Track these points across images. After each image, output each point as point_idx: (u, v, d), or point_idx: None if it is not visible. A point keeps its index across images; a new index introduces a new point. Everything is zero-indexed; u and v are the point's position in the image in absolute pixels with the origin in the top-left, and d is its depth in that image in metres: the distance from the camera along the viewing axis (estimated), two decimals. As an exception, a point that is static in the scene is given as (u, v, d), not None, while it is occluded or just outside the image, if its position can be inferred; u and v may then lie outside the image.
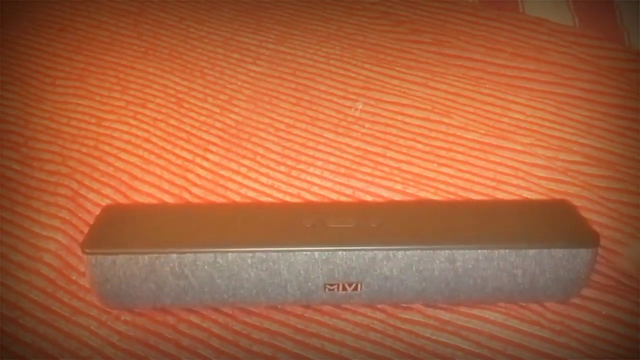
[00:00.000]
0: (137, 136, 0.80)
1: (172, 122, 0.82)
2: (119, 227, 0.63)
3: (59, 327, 0.63)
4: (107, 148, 0.79)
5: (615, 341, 0.61)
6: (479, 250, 0.59)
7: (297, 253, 0.59)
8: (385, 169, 0.76)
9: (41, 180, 0.76)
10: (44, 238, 0.70)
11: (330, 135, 0.80)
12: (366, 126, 0.81)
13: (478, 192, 0.73)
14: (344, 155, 0.78)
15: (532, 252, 0.59)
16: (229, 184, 0.75)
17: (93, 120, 0.83)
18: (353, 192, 0.74)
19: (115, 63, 0.91)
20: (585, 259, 0.60)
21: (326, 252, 0.59)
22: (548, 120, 0.80)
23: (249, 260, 0.59)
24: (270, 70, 0.89)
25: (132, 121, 0.82)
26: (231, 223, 0.63)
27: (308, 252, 0.59)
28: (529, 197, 0.72)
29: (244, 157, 0.78)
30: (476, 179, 0.74)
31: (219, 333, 0.62)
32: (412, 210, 0.68)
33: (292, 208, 0.71)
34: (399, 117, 0.81)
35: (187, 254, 0.59)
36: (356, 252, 0.59)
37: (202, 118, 0.83)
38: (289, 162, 0.77)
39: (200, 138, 0.80)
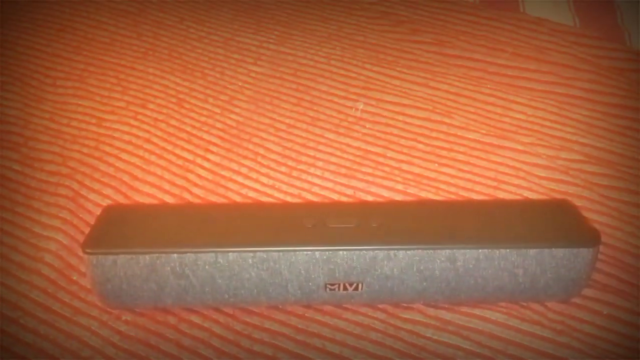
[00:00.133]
0: (137, 136, 0.80)
1: (173, 122, 0.82)
2: (120, 227, 0.63)
3: (59, 328, 0.63)
4: (107, 148, 0.79)
5: (617, 341, 0.60)
6: (480, 250, 0.59)
7: (298, 253, 0.59)
8: (386, 169, 0.76)
9: (42, 180, 0.76)
10: (45, 238, 0.70)
11: (331, 136, 0.80)
12: (367, 126, 0.81)
13: (479, 192, 0.73)
14: (345, 155, 0.78)
15: (533, 251, 0.59)
16: (230, 185, 0.75)
17: (93, 121, 0.83)
18: (354, 192, 0.74)
19: (116, 63, 0.91)
20: (586, 258, 0.60)
21: (327, 252, 0.59)
22: (549, 120, 0.80)
23: (250, 260, 0.59)
24: (271, 71, 0.89)
25: (132, 121, 0.82)
26: (232, 223, 0.63)
27: (309, 252, 0.59)
28: (530, 197, 0.72)
29: (245, 157, 0.78)
30: (477, 179, 0.74)
31: (220, 333, 0.62)
32: (413, 210, 0.68)
33: (292, 208, 0.71)
34: (400, 117, 0.81)
35: (188, 254, 0.59)
36: (357, 252, 0.59)
37: (203, 118, 0.83)
38: (290, 163, 0.77)
39: (201, 138, 0.80)
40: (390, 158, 0.77)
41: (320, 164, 0.77)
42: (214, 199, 0.74)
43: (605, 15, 0.94)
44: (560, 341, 0.60)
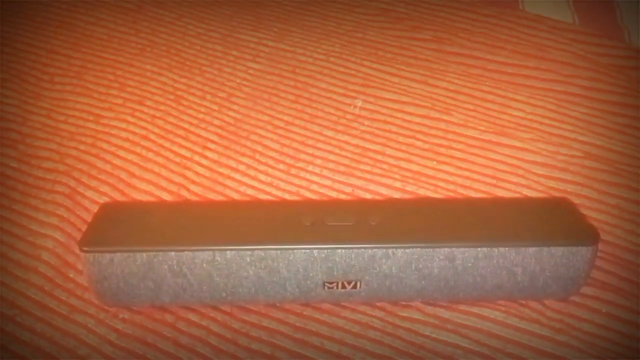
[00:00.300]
0: (135, 133, 0.80)
1: (171, 119, 0.82)
2: (117, 225, 0.63)
3: (56, 325, 0.63)
4: (105, 145, 0.79)
5: (616, 339, 0.60)
6: (479, 248, 0.59)
7: (296, 251, 0.59)
8: (385, 166, 0.76)
9: (39, 177, 0.76)
10: (42, 236, 0.70)
11: (330, 133, 0.80)
12: (365, 124, 0.81)
13: (478, 189, 0.73)
14: (343, 153, 0.77)
15: (532, 249, 0.59)
16: (228, 182, 0.75)
17: (91, 118, 0.82)
18: (352, 189, 0.74)
19: (113, 60, 0.91)
20: (585, 256, 0.59)
21: (325, 250, 0.59)
22: (548, 117, 0.80)
23: (248, 258, 0.59)
24: (269, 68, 0.89)
25: (130, 118, 0.82)
26: (230, 221, 0.63)
27: (307, 250, 0.59)
28: (529, 194, 0.72)
29: (243, 154, 0.78)
30: (476, 177, 0.74)
31: (217, 331, 0.62)
32: (412, 208, 0.68)
33: (291, 206, 0.70)
34: (399, 115, 0.81)
35: (186, 252, 0.59)
36: (355, 250, 0.59)
37: (201, 115, 0.82)
38: (288, 160, 0.77)
39: (199, 135, 0.80)
40: (389, 155, 0.77)
41: (318, 161, 0.77)
42: (211, 196, 0.74)
43: (605, 13, 0.93)
44: (559, 340, 0.60)
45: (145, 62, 0.90)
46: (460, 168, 0.75)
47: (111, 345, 0.61)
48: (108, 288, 0.60)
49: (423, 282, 0.60)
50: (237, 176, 0.75)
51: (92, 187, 0.74)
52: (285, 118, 0.82)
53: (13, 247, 0.69)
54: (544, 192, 0.72)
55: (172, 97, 0.85)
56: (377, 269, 0.60)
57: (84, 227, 0.68)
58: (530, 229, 0.61)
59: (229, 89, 0.86)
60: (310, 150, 0.78)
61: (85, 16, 0.98)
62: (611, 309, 0.62)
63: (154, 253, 0.59)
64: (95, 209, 0.68)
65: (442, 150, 0.77)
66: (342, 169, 0.76)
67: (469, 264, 0.59)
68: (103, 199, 0.73)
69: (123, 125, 0.81)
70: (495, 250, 0.59)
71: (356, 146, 0.78)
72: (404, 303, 0.63)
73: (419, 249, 0.59)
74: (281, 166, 0.76)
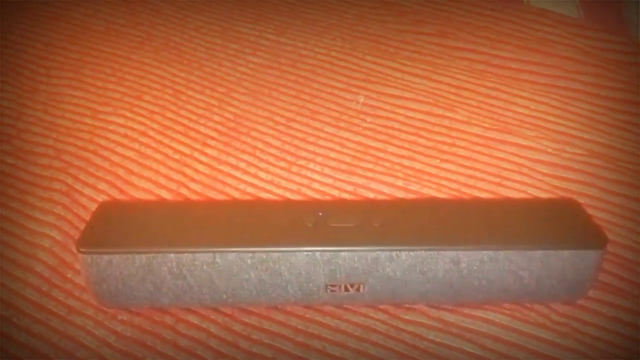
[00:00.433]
0: (133, 129, 0.79)
1: (169, 115, 0.81)
2: (115, 225, 0.62)
3: (54, 327, 0.62)
4: (102, 141, 0.78)
5: (622, 344, 0.59)
6: (484, 252, 0.58)
7: (298, 253, 0.58)
8: (387, 164, 0.75)
9: (35, 174, 0.74)
10: (39, 235, 0.69)
11: (331, 130, 0.79)
12: (368, 120, 0.80)
13: (482, 188, 0.72)
14: (345, 150, 0.76)
15: (538, 253, 0.58)
16: (228, 179, 0.74)
17: (88, 113, 0.81)
18: (354, 188, 0.73)
19: (111, 53, 0.90)
20: (593, 260, 0.58)
21: (328, 253, 0.58)
22: (552, 114, 0.79)
23: (249, 260, 0.58)
24: (270, 62, 0.88)
25: (128, 114, 0.81)
26: (230, 221, 0.62)
27: (309, 253, 0.58)
28: (533, 193, 0.71)
29: (243, 151, 0.76)
30: (480, 175, 0.73)
31: (217, 334, 0.61)
32: (416, 209, 0.66)
33: (292, 206, 0.69)
34: (401, 111, 0.80)
35: (186, 254, 0.58)
36: (358, 253, 0.58)
37: (200, 111, 0.81)
38: (289, 157, 0.76)
39: (198, 132, 0.79)
40: (391, 153, 0.76)
41: (319, 159, 0.76)
42: (211, 194, 0.72)
43: (611, 7, 0.92)
44: (565, 344, 0.59)
45: (143, 55, 0.89)
46: (463, 166, 0.74)
47: (110, 348, 0.60)
48: (106, 289, 0.59)
49: (427, 285, 0.59)
50: (238, 173, 0.74)
51: (90, 184, 0.73)
52: (286, 114, 0.81)
53: (9, 245, 0.68)
54: (549, 191, 0.71)
55: (170, 91, 0.84)
56: (381, 271, 0.59)
57: (81, 225, 0.67)
58: (537, 232, 0.60)
59: (228, 84, 0.85)
60: (311, 148, 0.77)
61: (83, 8, 0.97)
62: (618, 313, 0.61)
63: (153, 255, 0.58)
64: (93, 206, 0.67)
65: (445, 148, 0.76)
66: (343, 166, 0.75)
67: (475, 268, 0.58)
68: (101, 197, 0.72)
69: (121, 120, 0.80)
70: (501, 253, 0.58)
71: (358, 143, 0.77)
72: (407, 306, 0.62)
73: (423, 251, 0.58)
74: (282, 163, 0.75)
